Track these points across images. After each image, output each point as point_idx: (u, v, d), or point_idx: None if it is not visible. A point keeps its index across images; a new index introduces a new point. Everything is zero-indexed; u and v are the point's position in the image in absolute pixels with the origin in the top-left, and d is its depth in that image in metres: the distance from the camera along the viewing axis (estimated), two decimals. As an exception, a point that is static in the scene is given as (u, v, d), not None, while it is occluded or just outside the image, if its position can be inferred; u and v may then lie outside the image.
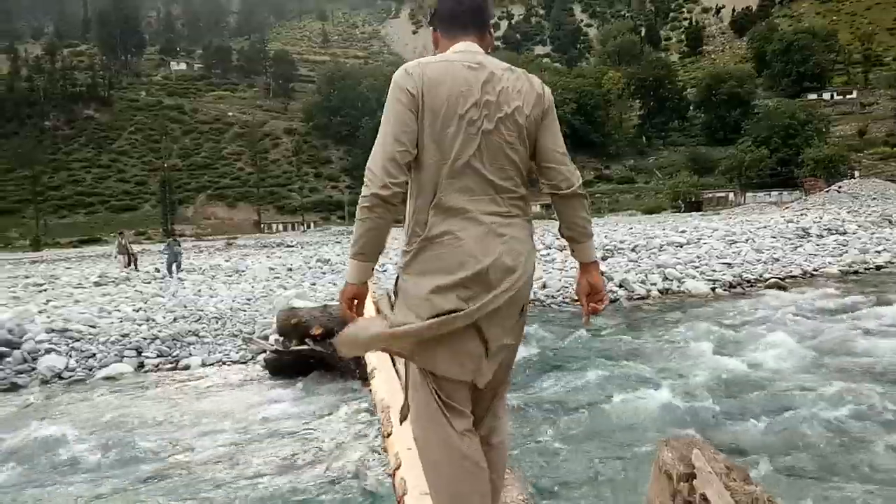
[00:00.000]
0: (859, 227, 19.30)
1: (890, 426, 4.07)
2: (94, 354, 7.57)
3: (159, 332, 8.37)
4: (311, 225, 70.87)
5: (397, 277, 1.77)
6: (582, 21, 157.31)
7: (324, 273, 15.22)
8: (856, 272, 12.22)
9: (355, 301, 1.76)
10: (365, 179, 1.66)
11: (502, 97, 1.70)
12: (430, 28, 1.92)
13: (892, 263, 12.76)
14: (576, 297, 2.49)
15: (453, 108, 1.66)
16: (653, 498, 1.67)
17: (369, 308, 1.95)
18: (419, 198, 1.70)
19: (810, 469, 3.46)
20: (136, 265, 20.07)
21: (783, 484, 3.30)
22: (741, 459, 3.36)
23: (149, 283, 15.67)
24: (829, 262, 12.91)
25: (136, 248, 23.19)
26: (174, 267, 17.26)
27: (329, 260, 18.72)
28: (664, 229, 22.91)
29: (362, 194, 1.66)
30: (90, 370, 7.17)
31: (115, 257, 20.80)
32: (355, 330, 1.74)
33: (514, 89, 1.72)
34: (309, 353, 6.39)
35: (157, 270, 19.41)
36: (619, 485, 3.42)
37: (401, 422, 1.94)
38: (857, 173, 62.00)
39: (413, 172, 1.70)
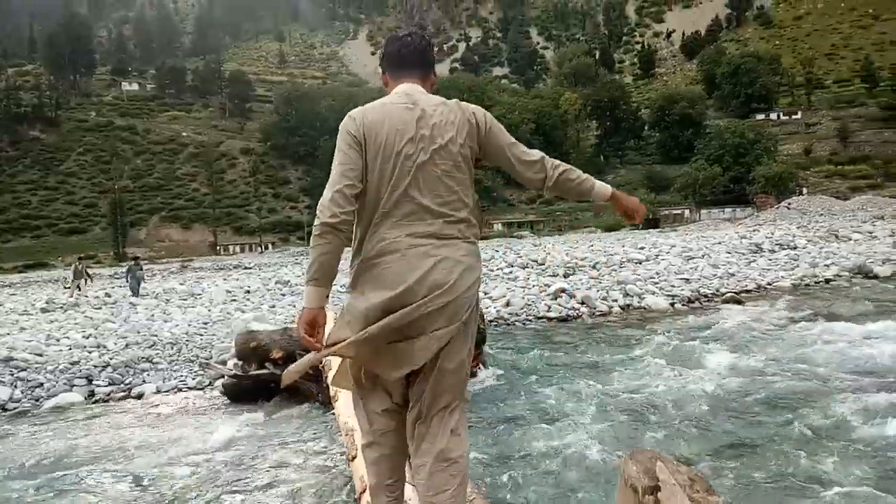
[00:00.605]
0: (808, 241, 20.04)
1: (844, 433, 4.18)
2: (42, 384, 7.23)
3: (111, 359, 8.06)
4: (270, 246, 69.69)
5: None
6: (538, 43, 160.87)
7: (283, 295, 14.98)
8: (807, 285, 12.64)
9: (314, 326, 1.90)
10: (317, 211, 1.87)
11: (436, 131, 1.91)
12: (380, 70, 2.15)
13: (840, 276, 13.25)
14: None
15: (391, 146, 1.88)
16: (620, 513, 1.66)
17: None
18: (361, 224, 1.92)
19: (770, 478, 3.53)
20: (80, 289, 19.36)
21: (743, 494, 3.35)
22: (703, 471, 3.40)
23: (99, 308, 15.14)
24: (782, 276, 13.34)
25: (101, 272, 22.46)
26: (133, 291, 16.83)
27: (288, 281, 18.44)
28: (623, 246, 23.36)
29: (314, 224, 1.87)
30: (37, 400, 6.85)
31: (67, 281, 20.03)
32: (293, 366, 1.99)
33: (447, 122, 1.94)
34: (269, 378, 6.24)
35: (108, 295, 18.79)
36: (584, 500, 3.42)
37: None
38: (804, 190, 64.59)
39: (359, 203, 1.91)
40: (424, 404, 1.93)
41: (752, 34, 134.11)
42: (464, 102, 2.04)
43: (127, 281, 17.64)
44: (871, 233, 22.05)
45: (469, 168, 1.98)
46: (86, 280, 19.26)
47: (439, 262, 1.86)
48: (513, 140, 2.05)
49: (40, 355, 8.27)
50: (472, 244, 1.96)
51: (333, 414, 4.50)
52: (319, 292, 1.88)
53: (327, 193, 1.86)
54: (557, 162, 2.08)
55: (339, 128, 1.94)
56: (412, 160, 1.88)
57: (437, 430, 1.92)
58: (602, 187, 2.11)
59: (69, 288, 19.33)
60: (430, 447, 1.91)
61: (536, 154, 2.07)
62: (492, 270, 17.23)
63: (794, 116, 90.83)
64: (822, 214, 44.30)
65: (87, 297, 18.53)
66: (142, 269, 18.04)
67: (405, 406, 2.00)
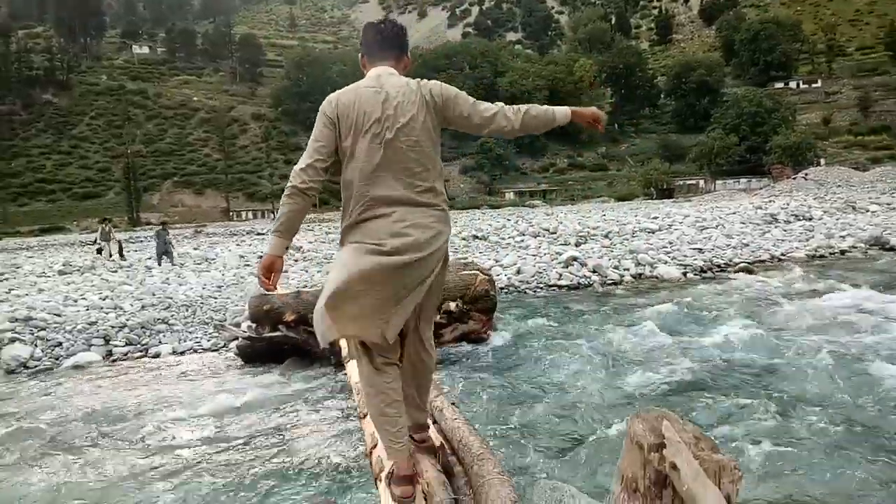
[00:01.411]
0: (825, 213, 19.79)
1: (853, 402, 4.21)
2: (61, 343, 7.40)
3: (127, 320, 8.21)
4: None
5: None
6: (553, 8, 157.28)
7: (295, 260, 15.09)
8: (822, 256, 12.54)
9: (271, 269, 2.23)
10: (290, 175, 2.19)
11: (399, 111, 2.18)
12: (359, 54, 2.42)
13: (856, 248, 13.13)
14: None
15: (361, 125, 2.17)
16: (625, 468, 1.70)
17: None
18: (346, 193, 2.21)
19: (777, 443, 3.57)
20: (121, 254, 19.60)
21: (749, 454, 3.40)
22: (710, 433, 3.45)
23: (115, 271, 15.34)
24: (797, 247, 13.23)
25: (119, 236, 22.56)
26: (164, 257, 16.67)
27: (301, 247, 18.55)
28: (636, 216, 23.23)
29: (287, 186, 2.18)
30: (57, 359, 7.02)
31: (97, 244, 20.03)
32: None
33: (409, 102, 2.20)
34: (282, 340, 6.35)
35: (123, 258, 19.02)
36: (593, 458, 3.49)
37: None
38: (822, 161, 63.50)
39: (342, 175, 2.22)
40: (410, 340, 2.35)
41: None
42: (424, 80, 2.29)
43: (157, 246, 17.42)
44: (889, 204, 21.73)
45: (433, 141, 2.24)
46: (115, 242, 19.45)
47: (410, 225, 2.14)
48: (472, 101, 2.27)
49: (59, 315, 8.44)
50: (440, 210, 2.24)
51: (345, 374, 4.58)
52: (281, 242, 2.22)
53: (301, 163, 2.19)
54: (517, 106, 2.29)
55: (319, 108, 2.24)
56: (380, 138, 2.15)
57: (417, 350, 2.38)
58: (562, 111, 2.35)
59: (102, 251, 19.36)
60: (412, 361, 2.37)
61: (495, 107, 2.27)
62: (503, 239, 17.23)
63: (813, 85, 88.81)
64: (839, 186, 43.61)
65: (124, 260, 18.73)
66: (169, 234, 17.61)
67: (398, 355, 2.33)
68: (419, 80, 2.29)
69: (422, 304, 2.28)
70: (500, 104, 2.29)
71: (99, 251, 19.44)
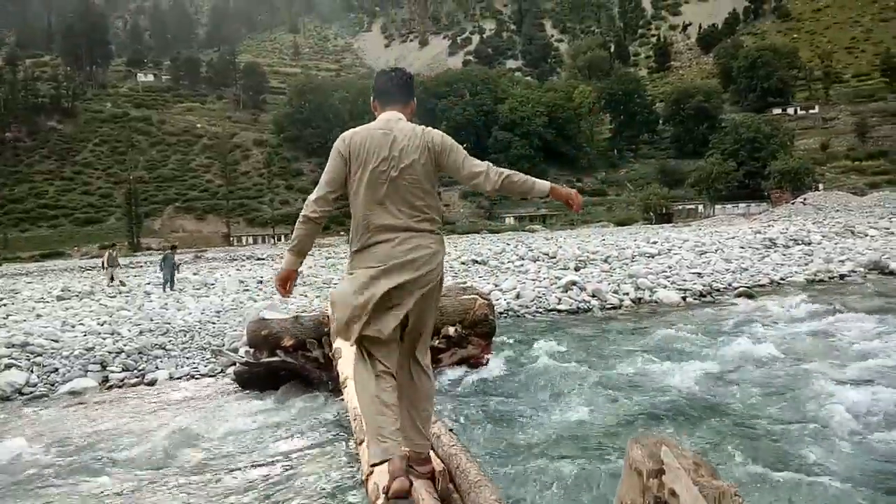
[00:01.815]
0: (824, 237, 19.81)
1: (854, 429, 4.16)
2: (57, 369, 7.35)
3: (125, 345, 8.16)
4: (283, 237, 70.05)
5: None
6: (553, 36, 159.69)
7: (295, 285, 15.07)
8: (821, 281, 12.51)
9: (287, 280, 2.74)
10: (305, 204, 2.58)
11: (403, 153, 2.50)
12: (372, 98, 2.76)
13: (855, 272, 13.10)
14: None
15: (370, 163, 2.49)
16: (623, 495, 1.67)
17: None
18: (354, 221, 2.55)
19: (776, 471, 3.52)
20: (114, 278, 19.56)
21: (748, 483, 3.35)
22: (709, 458, 3.39)
23: (114, 296, 15.32)
24: (796, 272, 13.21)
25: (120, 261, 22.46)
26: (169, 281, 16.56)
27: (301, 272, 18.54)
28: (636, 240, 23.24)
29: (301, 213, 2.59)
30: (53, 385, 6.96)
31: (103, 269, 20.04)
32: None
33: (413, 146, 2.52)
34: (280, 365, 6.29)
35: (123, 284, 18.97)
36: (592, 485, 3.43)
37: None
38: (821, 186, 63.83)
39: (351, 205, 2.56)
40: (405, 359, 2.61)
41: (770, 27, 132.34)
42: (428, 129, 2.61)
43: (160, 269, 17.25)
44: (887, 229, 21.76)
45: (431, 180, 2.57)
46: (111, 268, 19.41)
47: (412, 248, 2.47)
48: (465, 155, 2.61)
49: (56, 341, 8.40)
50: (436, 234, 2.59)
51: (342, 400, 4.54)
52: (295, 259, 2.69)
53: (314, 195, 2.56)
54: (502, 170, 2.60)
55: (334, 144, 2.57)
56: (386, 175, 2.49)
57: (412, 370, 2.63)
58: (541, 184, 2.62)
59: (106, 276, 19.35)
60: (409, 381, 2.62)
61: (483, 165, 2.59)
62: (503, 263, 17.22)
63: (811, 111, 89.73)
64: (838, 210, 43.75)
65: (121, 283, 18.71)
66: (175, 258, 17.45)
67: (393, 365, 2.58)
68: (424, 127, 2.61)
69: (418, 327, 2.58)
70: (488, 163, 2.60)
71: (112, 278, 19.43)
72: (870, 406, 4.51)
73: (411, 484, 2.34)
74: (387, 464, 2.34)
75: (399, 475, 2.31)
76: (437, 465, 2.64)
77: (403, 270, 2.43)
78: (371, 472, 2.57)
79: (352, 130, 2.59)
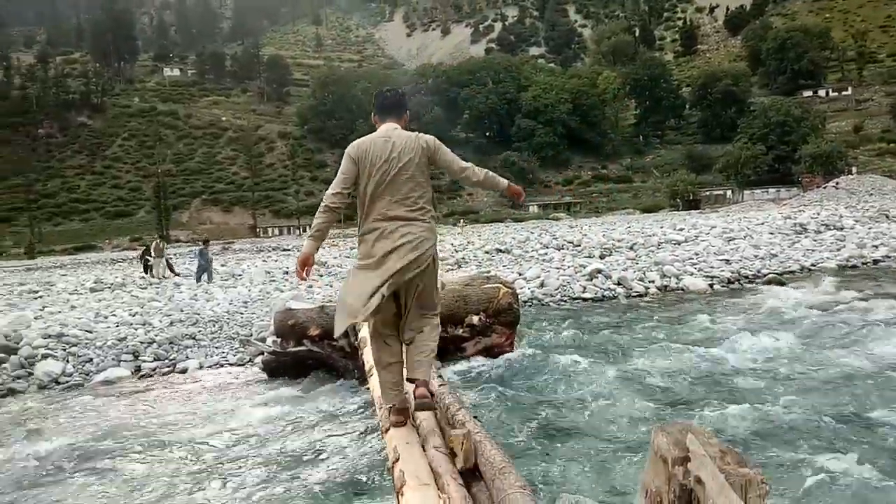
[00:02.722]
0: (857, 222, 19.34)
1: (881, 417, 4.07)
2: (91, 359, 7.54)
3: (156, 336, 8.34)
4: (307, 228, 70.57)
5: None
6: (576, 22, 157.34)
7: (321, 275, 15.21)
8: (853, 266, 12.24)
9: (306, 263, 3.20)
10: (324, 196, 3.16)
11: (401, 155, 3.08)
12: (373, 114, 3.34)
13: (889, 257, 12.78)
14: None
15: (374, 165, 3.07)
16: (648, 482, 1.67)
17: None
18: (360, 210, 3.13)
19: (802, 461, 3.47)
20: (171, 269, 19.72)
21: (777, 468, 3.31)
22: (736, 446, 3.36)
23: (145, 288, 15.64)
24: (827, 258, 12.93)
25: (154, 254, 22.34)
26: (206, 274, 16.65)
27: (325, 262, 18.71)
28: (662, 227, 22.96)
29: (321, 204, 3.15)
30: (87, 375, 7.15)
31: (153, 263, 19.70)
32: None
33: (408, 148, 3.10)
34: (307, 354, 6.38)
35: (142, 277, 19.12)
36: (617, 472, 3.43)
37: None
38: (854, 169, 62.14)
39: (358, 198, 3.14)
40: (413, 315, 3.17)
41: (801, 7, 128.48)
42: (421, 134, 3.20)
43: (199, 263, 16.93)
44: (924, 213, 21.15)
45: (424, 175, 3.14)
46: (159, 259, 19.26)
47: (406, 233, 3.01)
48: (453, 156, 3.24)
49: (90, 332, 8.61)
50: (428, 223, 3.11)
51: (368, 389, 4.58)
52: (315, 244, 3.20)
53: (331, 189, 3.13)
54: (482, 169, 3.32)
55: (345, 151, 3.16)
56: (387, 174, 3.06)
57: (422, 324, 3.19)
58: (503, 181, 3.40)
59: (153, 267, 19.12)
60: (418, 334, 3.16)
61: (468, 164, 3.29)
62: (527, 252, 17.16)
63: (843, 93, 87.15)
64: (871, 194, 42.64)
65: (169, 275, 18.79)
66: (209, 252, 17.40)
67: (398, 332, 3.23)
68: (418, 133, 3.19)
69: (418, 290, 3.13)
70: (471, 164, 3.32)
71: (146, 269, 19.55)
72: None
73: (406, 419, 3.11)
74: (391, 407, 3.16)
75: (399, 412, 3.11)
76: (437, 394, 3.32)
77: (395, 259, 2.96)
78: (397, 459, 2.60)
79: (359, 140, 3.16)
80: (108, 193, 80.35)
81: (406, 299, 3.13)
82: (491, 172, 3.37)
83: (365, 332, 4.55)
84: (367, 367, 4.50)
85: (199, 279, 16.59)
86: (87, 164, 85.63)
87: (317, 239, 3.17)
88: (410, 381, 3.12)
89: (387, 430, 3.11)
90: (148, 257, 19.77)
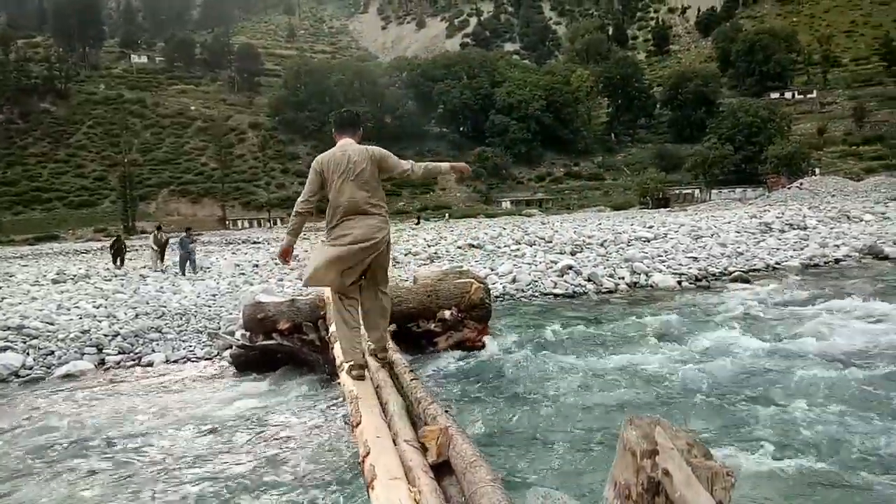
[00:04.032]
0: (819, 222, 19.84)
1: (846, 411, 4.19)
2: (53, 352, 7.35)
3: (121, 328, 8.16)
4: (278, 221, 69.81)
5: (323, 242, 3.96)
6: (551, 19, 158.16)
7: (291, 269, 15.04)
8: (816, 265, 12.55)
9: (287, 254, 4.00)
10: (296, 203, 3.90)
11: (356, 165, 3.79)
12: (333, 130, 4.08)
13: (850, 257, 13.14)
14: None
15: (335, 173, 3.79)
16: (618, 475, 1.68)
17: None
18: (329, 209, 3.81)
19: (767, 454, 3.55)
20: (115, 262, 19.24)
21: (743, 462, 3.38)
22: (703, 440, 3.42)
23: (109, 280, 15.28)
24: (791, 256, 13.24)
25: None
26: (188, 264, 16.07)
27: (297, 255, 18.47)
28: (632, 225, 23.26)
29: (294, 210, 3.91)
30: (49, 368, 6.97)
31: (153, 254, 18.58)
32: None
33: (361, 159, 3.81)
34: (276, 348, 6.31)
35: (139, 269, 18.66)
36: (586, 466, 3.47)
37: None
38: (817, 170, 63.77)
39: (328, 199, 3.81)
40: (370, 290, 3.98)
41: (769, 10, 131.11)
42: (371, 146, 3.91)
43: (181, 254, 16.31)
44: (883, 214, 21.80)
45: (376, 179, 3.86)
46: (162, 251, 18.57)
47: (364, 224, 3.75)
48: (396, 159, 3.98)
49: (51, 324, 8.38)
50: (381, 216, 3.85)
51: (339, 383, 4.55)
52: (292, 239, 3.97)
53: (301, 198, 3.87)
54: (420, 164, 4.14)
55: (312, 164, 3.87)
56: (345, 179, 3.76)
57: (377, 296, 4.00)
58: (445, 164, 4.28)
59: (156, 260, 18.34)
60: (374, 304, 4.01)
61: (408, 163, 4.03)
62: (499, 247, 17.22)
63: (809, 95, 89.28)
64: (833, 195, 43.83)
65: (167, 266, 18.13)
66: (193, 242, 16.62)
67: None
68: (368, 146, 3.90)
69: (374, 268, 3.89)
70: (411, 161, 4.09)
71: (115, 260, 18.96)
72: (863, 388, 4.55)
73: (365, 366, 3.88)
74: (352, 362, 3.82)
75: (358, 367, 3.78)
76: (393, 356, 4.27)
77: (359, 241, 3.70)
78: (367, 453, 2.59)
79: (321, 155, 3.88)
80: (71, 182, 78.11)
81: (365, 275, 3.89)
82: (431, 163, 4.17)
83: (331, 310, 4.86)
84: (337, 362, 4.47)
85: (183, 271, 16.02)
86: (50, 151, 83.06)
87: (294, 234, 3.93)
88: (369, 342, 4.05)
89: (356, 424, 3.09)
90: (154, 248, 18.83)
